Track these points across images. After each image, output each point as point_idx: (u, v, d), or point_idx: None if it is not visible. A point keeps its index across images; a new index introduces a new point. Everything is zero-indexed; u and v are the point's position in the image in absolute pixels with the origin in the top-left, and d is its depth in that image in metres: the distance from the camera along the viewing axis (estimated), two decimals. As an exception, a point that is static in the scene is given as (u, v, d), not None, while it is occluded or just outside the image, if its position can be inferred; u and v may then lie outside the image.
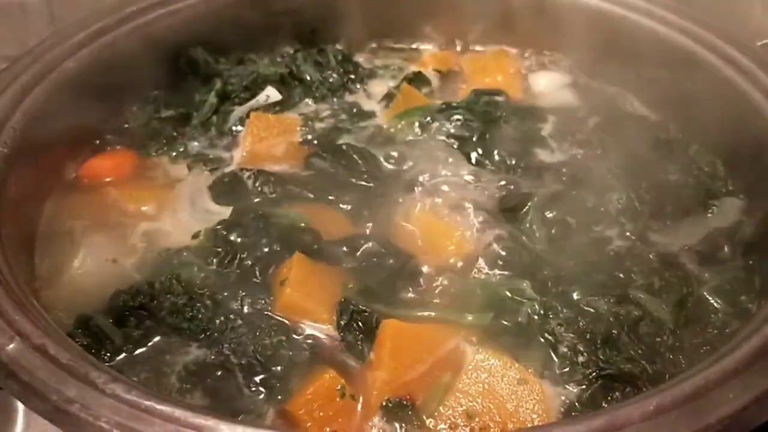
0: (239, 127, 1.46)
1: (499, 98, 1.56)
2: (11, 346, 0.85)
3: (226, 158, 1.40)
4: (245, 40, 1.61)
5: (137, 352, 1.04)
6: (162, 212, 1.28)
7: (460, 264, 1.18)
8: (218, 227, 1.20)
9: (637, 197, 1.28)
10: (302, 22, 1.66)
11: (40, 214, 1.27)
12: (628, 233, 1.23)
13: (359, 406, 0.98)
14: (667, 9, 1.49)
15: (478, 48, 1.72)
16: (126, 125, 1.45)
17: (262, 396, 0.99)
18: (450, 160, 1.38)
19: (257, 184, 1.29)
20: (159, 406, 0.77)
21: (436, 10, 1.68)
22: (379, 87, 1.60)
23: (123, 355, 1.04)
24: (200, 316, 1.07)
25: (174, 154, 1.41)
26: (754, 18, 1.85)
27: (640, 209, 1.27)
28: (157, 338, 1.06)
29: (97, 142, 1.42)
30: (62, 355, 0.84)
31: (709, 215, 1.28)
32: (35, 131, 1.24)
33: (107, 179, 1.35)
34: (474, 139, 1.42)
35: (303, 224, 1.21)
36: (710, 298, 1.13)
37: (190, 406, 0.84)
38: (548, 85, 1.61)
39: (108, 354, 1.03)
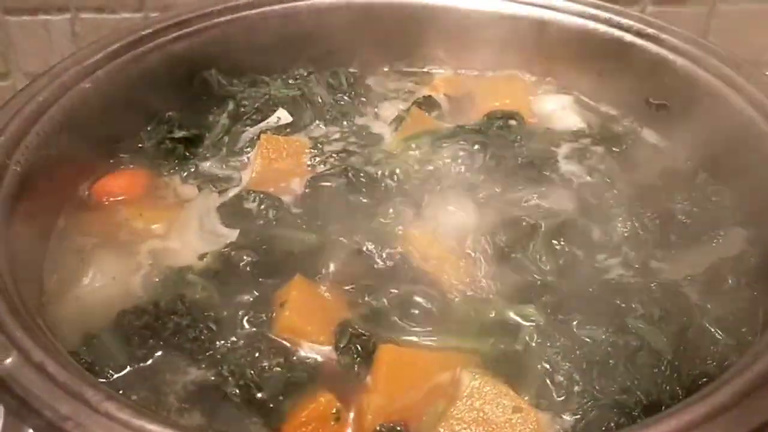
0: (249, 149, 1.47)
1: (512, 122, 1.55)
2: (9, 360, 0.86)
3: (235, 179, 1.42)
4: (259, 62, 1.63)
5: (139, 371, 1.06)
6: (171, 232, 1.30)
7: (462, 290, 1.18)
8: (225, 249, 1.22)
9: (642, 226, 1.28)
10: (316, 44, 1.67)
11: (52, 230, 1.29)
12: (631, 262, 1.23)
13: (352, 431, 0.99)
14: (677, 36, 1.49)
15: (489, 72, 1.72)
16: (140, 145, 1.47)
17: (256, 418, 0.99)
18: (456, 184, 1.38)
19: (263, 207, 1.30)
20: (149, 426, 0.79)
21: (448, 34, 1.68)
22: (389, 110, 1.60)
23: (125, 373, 1.05)
24: (202, 337, 1.08)
25: (185, 174, 1.43)
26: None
27: (645, 238, 1.27)
28: (159, 358, 1.07)
29: (111, 161, 1.44)
30: (60, 373, 0.85)
31: (714, 245, 1.27)
32: (50, 150, 1.27)
33: (119, 198, 1.37)
34: (483, 162, 1.42)
35: (305, 248, 1.21)
36: (712, 329, 1.12)
37: (182, 426, 0.86)
38: (557, 109, 1.60)
39: (111, 372, 1.05)
